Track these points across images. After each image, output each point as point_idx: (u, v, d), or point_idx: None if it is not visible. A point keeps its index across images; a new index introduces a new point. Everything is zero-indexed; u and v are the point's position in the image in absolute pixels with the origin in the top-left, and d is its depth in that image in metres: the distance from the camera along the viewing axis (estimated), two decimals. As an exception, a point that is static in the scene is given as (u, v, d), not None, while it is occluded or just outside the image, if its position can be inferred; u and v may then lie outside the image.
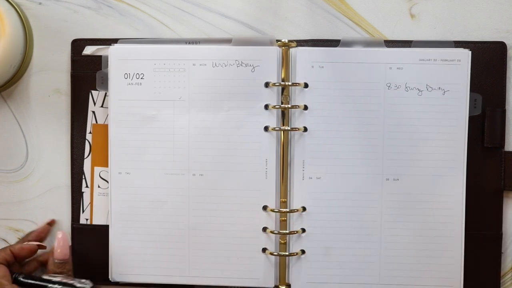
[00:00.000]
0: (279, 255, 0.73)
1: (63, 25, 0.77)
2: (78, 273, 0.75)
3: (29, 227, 0.78)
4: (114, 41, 0.74)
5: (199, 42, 0.74)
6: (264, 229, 0.73)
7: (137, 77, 0.73)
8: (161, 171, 0.73)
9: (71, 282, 0.70)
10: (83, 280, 0.71)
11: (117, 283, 0.75)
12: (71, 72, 0.75)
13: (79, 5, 0.77)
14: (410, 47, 0.72)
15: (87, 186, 0.76)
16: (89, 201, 0.76)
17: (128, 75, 0.73)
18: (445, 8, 0.74)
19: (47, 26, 0.77)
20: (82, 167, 0.76)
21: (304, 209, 0.73)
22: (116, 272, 0.75)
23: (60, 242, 0.73)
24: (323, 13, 0.75)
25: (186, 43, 0.74)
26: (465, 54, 0.71)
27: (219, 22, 0.76)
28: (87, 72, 0.75)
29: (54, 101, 0.77)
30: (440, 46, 0.72)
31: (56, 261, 0.72)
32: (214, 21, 0.76)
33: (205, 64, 0.72)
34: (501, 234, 0.73)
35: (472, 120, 0.72)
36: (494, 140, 0.73)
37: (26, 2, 0.77)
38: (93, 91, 0.75)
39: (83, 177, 0.76)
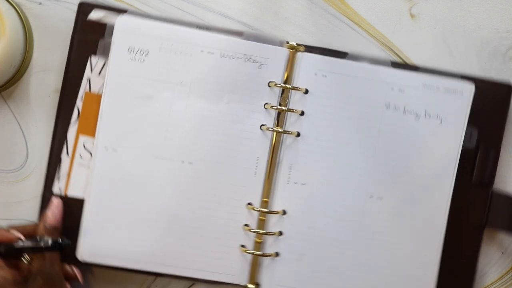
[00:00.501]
0: (253, 253, 0.72)
1: (63, 25, 0.75)
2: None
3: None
4: (124, 11, 0.72)
5: (208, 29, 0.73)
6: (245, 226, 0.73)
7: (141, 53, 0.71)
8: (150, 153, 0.71)
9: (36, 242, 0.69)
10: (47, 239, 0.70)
11: (85, 264, 0.73)
12: (72, 34, 0.73)
13: None
14: (416, 71, 0.73)
15: (67, 154, 0.74)
16: (66, 170, 0.73)
17: (132, 50, 0.71)
18: (445, 8, 0.75)
19: (47, 26, 0.75)
20: (66, 133, 0.73)
21: (284, 212, 0.73)
22: (86, 252, 0.72)
23: (54, 209, 0.71)
24: (323, 13, 0.75)
25: (196, 27, 0.72)
26: (469, 88, 0.72)
27: (219, 22, 0.75)
28: (89, 38, 0.72)
29: (54, 101, 0.75)
30: (446, 75, 0.73)
31: (47, 225, 0.70)
32: (214, 21, 0.75)
33: (213, 53, 0.71)
34: (476, 270, 0.75)
35: (464, 153, 0.73)
36: (483, 177, 0.74)
37: (26, 2, 0.75)
38: (93, 57, 0.73)
39: (65, 144, 0.73)
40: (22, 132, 0.76)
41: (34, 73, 0.76)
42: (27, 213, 0.76)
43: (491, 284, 0.77)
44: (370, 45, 0.76)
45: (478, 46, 0.76)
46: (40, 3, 0.75)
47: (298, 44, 0.72)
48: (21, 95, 0.76)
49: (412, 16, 0.76)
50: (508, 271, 0.77)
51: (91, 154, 0.73)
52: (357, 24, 0.76)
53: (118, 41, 0.71)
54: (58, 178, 0.73)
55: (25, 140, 0.76)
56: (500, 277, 0.77)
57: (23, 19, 0.73)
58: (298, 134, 0.72)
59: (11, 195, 0.76)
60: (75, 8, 0.74)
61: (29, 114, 0.76)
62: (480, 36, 0.76)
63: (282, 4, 0.75)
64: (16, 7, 0.73)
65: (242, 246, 0.73)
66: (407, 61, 0.75)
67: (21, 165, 0.76)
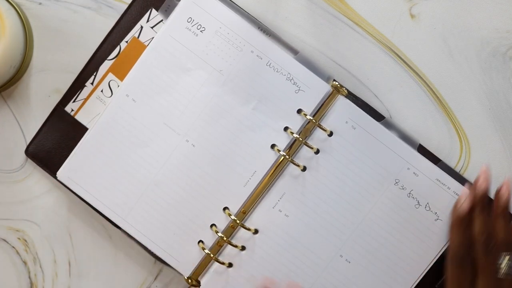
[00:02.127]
0: (208, 254, 0.73)
1: (63, 25, 0.76)
2: (34, 157, 0.75)
3: (29, 227, 0.78)
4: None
5: (269, 33, 0.73)
6: (212, 226, 0.73)
7: (198, 27, 0.72)
8: (162, 119, 0.72)
9: None
10: None
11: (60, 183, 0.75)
12: (145, -20, 0.74)
13: (79, 5, 0.76)
14: (436, 163, 0.72)
15: (92, 84, 0.75)
16: (84, 96, 0.75)
17: (192, 20, 0.72)
18: (445, 8, 0.75)
19: (47, 26, 0.76)
20: (100, 65, 0.75)
21: (256, 231, 0.73)
22: (65, 173, 0.74)
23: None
24: (323, 13, 0.75)
25: (258, 28, 0.73)
26: (474, 201, 0.71)
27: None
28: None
29: (54, 101, 0.76)
30: (459, 181, 0.72)
31: None
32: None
33: (261, 58, 0.71)
34: None
35: (441, 257, 0.72)
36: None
37: (26, 2, 0.76)
38: (153, 10, 0.74)
39: (94, 74, 0.75)
40: (22, 132, 0.77)
41: (34, 73, 0.77)
42: (27, 213, 0.78)
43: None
44: (370, 45, 0.75)
45: (478, 46, 0.75)
46: (40, 3, 0.76)
47: (341, 86, 0.72)
48: (21, 95, 0.77)
49: (412, 16, 0.75)
50: None
51: (112, 93, 0.74)
52: (357, 24, 0.75)
53: (183, 7, 0.72)
54: (74, 100, 0.75)
55: (25, 140, 0.77)
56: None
57: (23, 19, 0.75)
58: (304, 169, 0.72)
59: (11, 195, 0.78)
60: (75, 8, 0.76)
61: (29, 114, 0.77)
62: (480, 36, 0.74)
63: (282, 4, 0.75)
64: (16, 7, 0.74)
65: (201, 242, 0.73)
66: (407, 61, 0.75)
67: (21, 165, 0.77)
